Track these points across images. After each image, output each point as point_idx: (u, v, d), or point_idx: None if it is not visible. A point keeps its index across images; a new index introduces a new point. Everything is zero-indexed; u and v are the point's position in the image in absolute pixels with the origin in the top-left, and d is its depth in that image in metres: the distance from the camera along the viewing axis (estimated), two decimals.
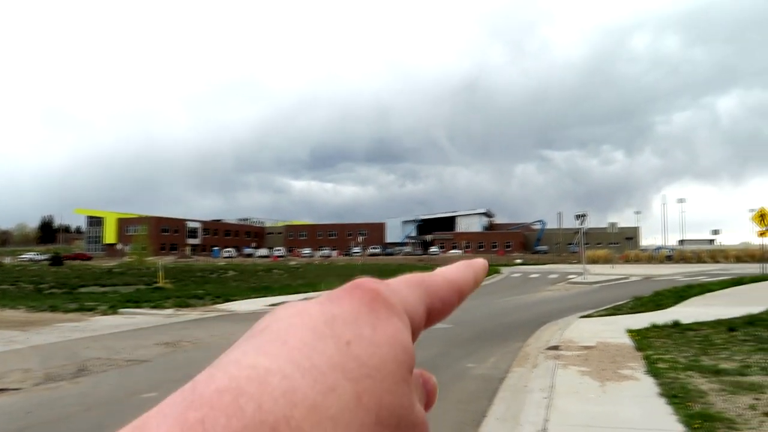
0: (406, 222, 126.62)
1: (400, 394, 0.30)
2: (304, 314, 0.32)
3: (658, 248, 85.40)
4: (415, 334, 0.36)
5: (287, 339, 0.29)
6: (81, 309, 19.43)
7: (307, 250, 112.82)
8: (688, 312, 16.30)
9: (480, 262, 0.46)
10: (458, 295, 0.41)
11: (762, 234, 32.12)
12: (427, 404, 0.37)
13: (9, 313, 18.98)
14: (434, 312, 0.39)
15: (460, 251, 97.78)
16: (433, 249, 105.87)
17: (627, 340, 11.96)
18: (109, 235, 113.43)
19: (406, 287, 0.37)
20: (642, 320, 14.67)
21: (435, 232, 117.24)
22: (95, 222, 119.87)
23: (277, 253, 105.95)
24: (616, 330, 13.34)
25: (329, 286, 27.15)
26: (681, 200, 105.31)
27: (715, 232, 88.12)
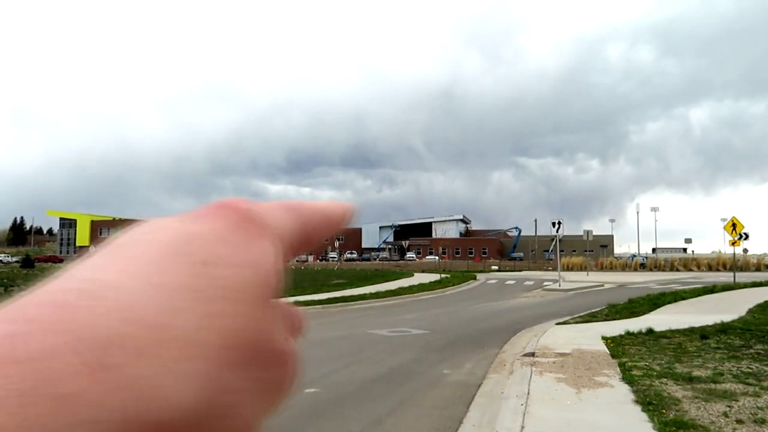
0: (382, 227, 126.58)
1: (258, 319, 0.29)
2: (159, 231, 0.29)
3: (633, 256, 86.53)
4: (286, 259, 0.34)
5: (135, 254, 0.27)
6: None
7: None
8: (661, 320, 16.47)
9: (348, 204, 0.43)
10: (328, 225, 0.39)
11: (733, 243, 32.69)
12: (294, 336, 0.35)
13: None
14: (307, 237, 0.37)
15: (436, 257, 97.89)
16: (410, 255, 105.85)
17: (602, 347, 12.02)
18: (82, 238, 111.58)
19: (279, 210, 0.35)
20: (617, 327, 14.76)
21: (411, 238, 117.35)
22: (67, 224, 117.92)
23: None
24: (592, 337, 13.41)
25: (304, 292, 26.90)
26: (654, 209, 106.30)
27: (688, 240, 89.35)
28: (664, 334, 13.58)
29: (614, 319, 17.30)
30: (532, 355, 11.31)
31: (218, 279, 0.28)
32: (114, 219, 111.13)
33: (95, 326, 0.23)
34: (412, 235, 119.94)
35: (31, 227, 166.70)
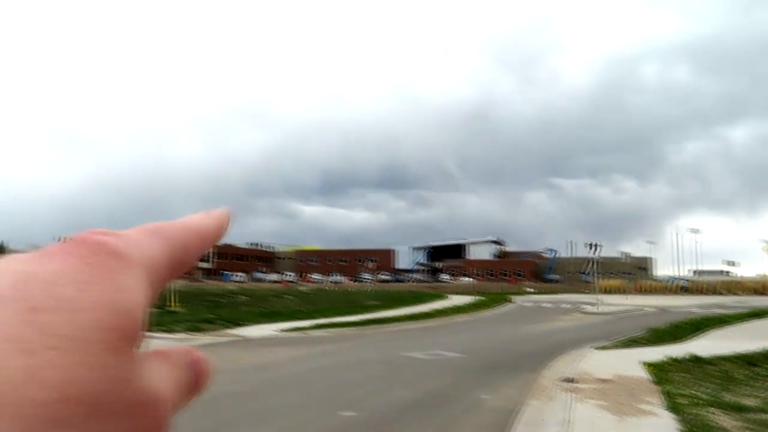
0: (416, 249, 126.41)
1: (101, 366, 0.25)
2: None
3: (673, 279, 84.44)
4: (156, 288, 0.31)
5: None
6: None
7: (317, 276, 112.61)
8: (706, 345, 16.00)
9: (222, 212, 0.40)
10: (201, 243, 0.36)
11: None
12: (195, 387, 0.32)
13: None
14: (177, 261, 0.33)
15: (470, 279, 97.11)
16: (444, 276, 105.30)
17: (644, 374, 11.69)
18: None
19: (145, 236, 0.32)
20: (659, 353, 14.36)
21: (445, 260, 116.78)
22: None
23: (287, 278, 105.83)
24: (633, 363, 13.07)
25: (339, 313, 26.96)
26: (694, 230, 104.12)
27: (731, 263, 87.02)
28: (709, 361, 13.15)
29: (656, 345, 16.86)
30: (572, 380, 11.06)
31: (49, 326, 0.25)
32: None
33: None
34: (446, 256, 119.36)
35: None
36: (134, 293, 0.28)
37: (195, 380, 0.32)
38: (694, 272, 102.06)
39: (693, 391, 9.86)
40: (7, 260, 0.28)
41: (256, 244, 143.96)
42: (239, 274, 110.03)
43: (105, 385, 0.26)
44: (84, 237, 0.29)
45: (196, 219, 0.37)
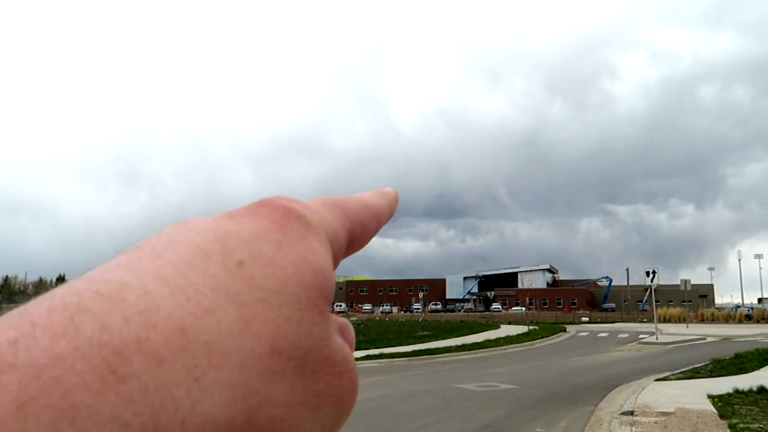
0: (467, 278, 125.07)
1: (306, 323, 0.26)
2: (191, 230, 0.27)
3: (737, 307, 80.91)
4: (336, 260, 0.31)
5: (163, 254, 0.25)
6: None
7: (367, 306, 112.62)
8: None
9: (391, 192, 0.41)
10: (376, 222, 0.36)
11: None
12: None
13: None
14: (354, 237, 0.34)
15: (522, 308, 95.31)
16: (495, 306, 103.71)
17: (709, 407, 11.22)
18: None
19: (324, 208, 0.32)
20: (724, 385, 13.77)
21: (497, 288, 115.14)
22: None
23: (337, 309, 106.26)
24: (696, 395, 12.56)
25: (389, 344, 26.89)
26: (758, 256, 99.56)
27: None
28: None
29: (720, 376, 16.17)
30: (632, 413, 10.70)
31: (256, 280, 0.25)
32: None
33: (110, 331, 0.21)
34: (497, 285, 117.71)
35: None
36: (323, 256, 0.29)
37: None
38: (759, 300, 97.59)
39: (762, 425, 9.41)
40: (198, 220, 0.28)
41: None
42: None
43: (310, 342, 0.26)
44: (269, 200, 0.30)
45: (372, 197, 0.38)
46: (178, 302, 0.23)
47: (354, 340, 0.32)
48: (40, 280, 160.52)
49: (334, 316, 0.31)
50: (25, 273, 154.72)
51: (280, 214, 0.29)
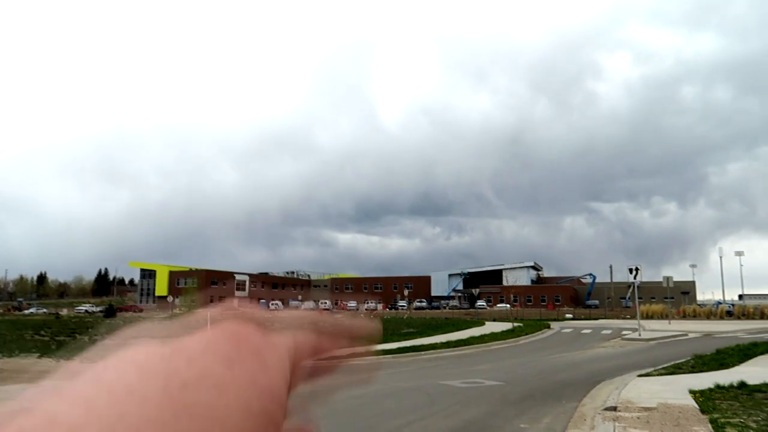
0: (452, 275, 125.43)
1: None
2: (141, 347, 0.25)
3: (718, 303, 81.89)
4: (297, 373, 0.30)
5: (104, 378, 0.23)
6: None
7: (352, 303, 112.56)
8: (755, 372, 15.41)
9: (375, 324, 0.38)
10: (349, 337, 0.35)
11: None
12: None
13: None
14: (321, 349, 0.32)
15: (507, 305, 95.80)
16: (480, 303, 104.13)
17: (690, 402, 11.34)
18: (161, 288, 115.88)
19: (293, 321, 0.31)
20: (705, 380, 13.92)
21: (482, 286, 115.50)
22: (148, 275, 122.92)
23: (322, 306, 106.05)
24: (678, 390, 12.69)
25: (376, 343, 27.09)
26: (739, 253, 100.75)
27: None
28: (759, 388, 12.68)
29: (702, 371, 16.34)
30: (614, 409, 10.78)
31: (198, 407, 0.23)
32: (191, 270, 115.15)
33: None
34: (482, 282, 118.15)
35: (114, 278, 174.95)
36: (278, 377, 0.27)
37: None
38: (740, 296, 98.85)
39: (742, 420, 9.52)
40: (157, 325, 0.27)
41: (292, 273, 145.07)
42: (275, 302, 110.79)
43: None
44: (238, 312, 0.29)
45: (349, 320, 0.36)
46: None
47: None
48: (21, 278, 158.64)
49: (297, 427, 0.30)
50: (5, 271, 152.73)
51: (239, 325, 0.27)
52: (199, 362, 0.24)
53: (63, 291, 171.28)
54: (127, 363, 0.24)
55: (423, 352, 23.98)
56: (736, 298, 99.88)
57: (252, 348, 0.26)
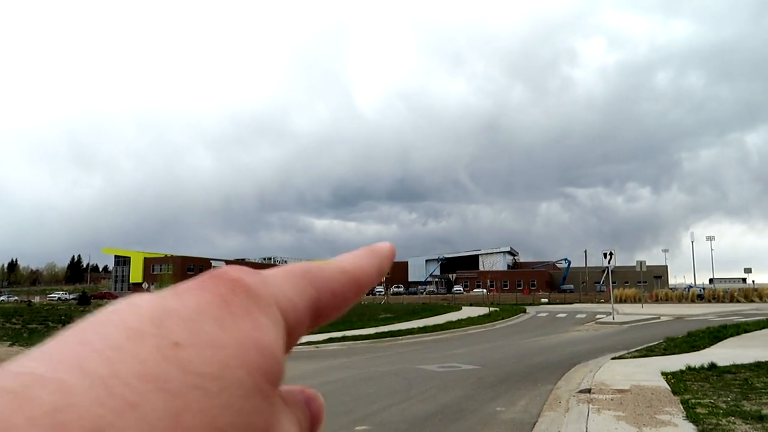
0: (429, 261, 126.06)
1: (248, 412, 0.23)
2: (130, 309, 0.25)
3: (689, 287, 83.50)
4: (294, 335, 0.29)
5: (90, 339, 0.22)
6: None
7: None
8: (724, 354, 15.75)
9: (385, 247, 0.37)
10: (356, 287, 0.33)
11: None
12: (312, 429, 0.31)
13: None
14: (324, 307, 0.32)
15: (483, 290, 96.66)
16: (457, 288, 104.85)
17: (662, 383, 11.54)
18: (136, 275, 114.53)
19: (285, 278, 0.30)
20: (677, 362, 14.18)
21: (458, 271, 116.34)
22: (122, 261, 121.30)
23: None
24: (650, 372, 12.91)
25: (352, 326, 26.81)
26: (710, 238, 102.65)
27: (748, 270, 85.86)
28: (728, 369, 12.96)
29: (673, 354, 16.65)
30: (589, 391, 10.93)
31: (193, 364, 0.23)
32: (166, 256, 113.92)
33: None
34: (459, 268, 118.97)
35: (87, 265, 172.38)
36: (272, 333, 0.26)
37: (311, 421, 0.30)
38: (710, 280, 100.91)
39: (712, 401, 9.71)
40: (143, 296, 0.26)
41: (269, 259, 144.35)
42: None
43: None
44: (221, 273, 0.28)
45: (355, 260, 0.35)
46: (98, 397, 0.20)
47: (322, 415, 0.30)
48: None
49: (299, 389, 0.29)
50: None
51: (227, 288, 0.27)
52: (190, 324, 0.24)
53: (35, 278, 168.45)
54: (115, 326, 0.23)
55: (400, 337, 24.08)
56: (707, 282, 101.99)
57: (243, 309, 0.26)
